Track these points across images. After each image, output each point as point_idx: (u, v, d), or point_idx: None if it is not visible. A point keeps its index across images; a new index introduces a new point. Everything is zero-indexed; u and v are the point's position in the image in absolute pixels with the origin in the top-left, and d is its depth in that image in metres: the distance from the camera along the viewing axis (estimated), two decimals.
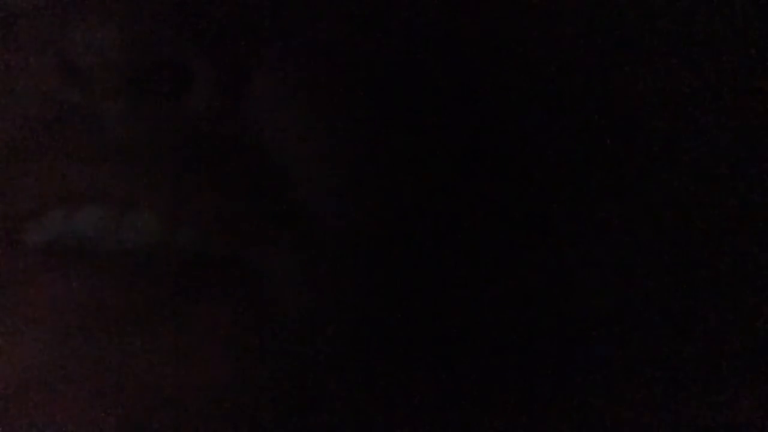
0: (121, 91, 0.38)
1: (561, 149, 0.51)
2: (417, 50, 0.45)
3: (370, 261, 0.43)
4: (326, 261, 0.41)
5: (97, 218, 0.39)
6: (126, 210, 0.39)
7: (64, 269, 0.38)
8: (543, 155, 0.51)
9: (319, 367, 0.42)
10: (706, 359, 0.51)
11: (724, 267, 0.51)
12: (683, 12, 0.51)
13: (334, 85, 0.41)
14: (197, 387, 0.39)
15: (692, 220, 0.51)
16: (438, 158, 0.47)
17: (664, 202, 0.51)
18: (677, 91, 0.51)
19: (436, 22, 0.46)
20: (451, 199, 0.49)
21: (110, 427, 0.38)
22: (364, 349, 0.45)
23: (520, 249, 0.51)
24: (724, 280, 0.51)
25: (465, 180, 0.49)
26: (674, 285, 0.51)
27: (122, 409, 0.38)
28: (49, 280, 0.38)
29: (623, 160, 0.51)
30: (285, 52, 0.41)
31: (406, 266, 0.46)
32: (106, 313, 0.38)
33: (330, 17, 0.42)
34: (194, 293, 0.39)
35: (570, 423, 0.50)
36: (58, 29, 0.39)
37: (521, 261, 0.51)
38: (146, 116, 0.38)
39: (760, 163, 0.51)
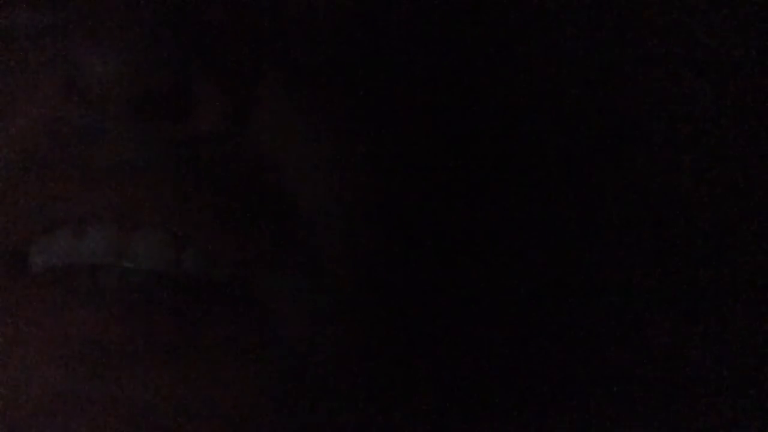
0: (127, 112, 0.38)
1: (561, 149, 0.51)
2: (419, 60, 0.45)
3: (374, 281, 0.43)
4: (331, 283, 0.41)
5: (103, 239, 0.39)
6: (131, 231, 0.39)
7: (72, 303, 0.38)
8: (543, 156, 0.51)
9: (319, 367, 0.42)
10: (706, 360, 0.51)
11: (724, 267, 0.51)
12: (683, 12, 0.51)
13: (339, 105, 0.41)
14: (207, 415, 0.39)
15: (692, 220, 0.51)
16: (441, 162, 0.47)
17: (664, 202, 0.51)
18: (677, 91, 0.51)
19: (436, 26, 0.46)
20: (454, 201, 0.49)
21: None
22: (364, 350, 0.45)
23: (520, 250, 0.51)
24: (724, 280, 0.51)
25: (466, 184, 0.49)
26: (674, 285, 0.51)
27: None
28: (56, 314, 0.38)
29: (623, 160, 0.51)
30: (288, 74, 0.41)
31: (407, 266, 0.46)
32: (113, 345, 0.38)
33: (332, 37, 0.42)
34: (200, 319, 0.39)
35: (570, 423, 0.50)
36: (63, 52, 0.39)
37: (521, 262, 0.51)
38: (151, 137, 0.39)
39: (760, 163, 0.51)
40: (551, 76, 0.51)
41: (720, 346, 0.51)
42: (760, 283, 0.51)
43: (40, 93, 0.39)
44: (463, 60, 0.48)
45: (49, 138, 0.39)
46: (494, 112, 0.50)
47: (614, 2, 0.51)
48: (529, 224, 0.51)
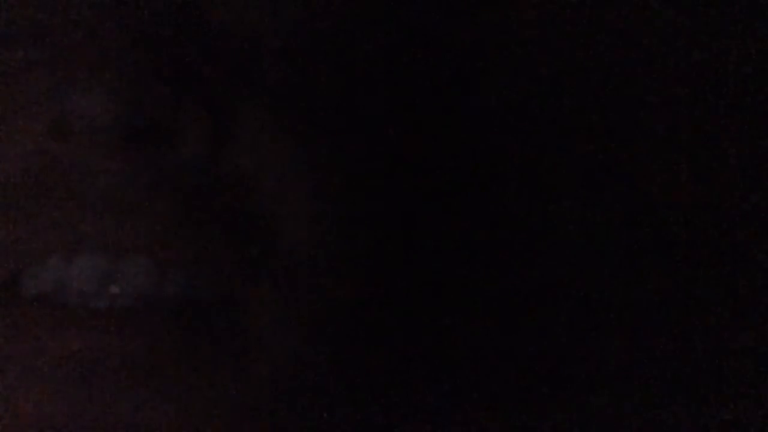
0: (113, 145, 0.39)
1: (560, 149, 0.51)
2: (403, 84, 0.45)
3: (357, 303, 0.43)
4: (313, 304, 0.42)
5: (92, 265, 0.40)
6: (118, 257, 0.40)
7: (61, 324, 0.39)
8: (543, 156, 0.51)
9: (319, 368, 0.42)
10: (707, 359, 0.51)
11: (724, 267, 0.51)
12: (683, 12, 0.51)
13: (320, 133, 0.42)
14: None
15: (692, 220, 0.51)
16: (435, 164, 0.47)
17: (664, 202, 0.51)
18: (677, 91, 0.51)
19: (435, 27, 0.47)
20: (450, 201, 0.49)
21: None
22: (364, 350, 0.45)
23: (520, 251, 0.51)
24: (724, 280, 0.51)
25: (463, 181, 0.49)
26: (674, 285, 0.51)
27: None
28: (46, 337, 0.39)
29: (623, 160, 0.51)
30: (268, 100, 0.42)
31: (405, 266, 0.46)
32: (102, 367, 0.39)
33: (313, 65, 0.42)
34: (187, 341, 0.40)
35: (570, 423, 0.50)
36: (50, 89, 0.40)
37: (521, 261, 0.51)
38: (136, 167, 0.39)
39: (760, 163, 0.51)
40: (551, 76, 0.51)
41: (720, 346, 0.51)
42: (760, 283, 0.51)
43: (30, 128, 0.40)
44: (462, 63, 0.48)
45: (39, 171, 0.40)
46: (494, 111, 0.50)
47: (614, 2, 0.51)
48: (529, 224, 0.51)
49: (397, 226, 0.46)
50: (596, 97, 0.51)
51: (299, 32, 0.42)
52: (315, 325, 0.42)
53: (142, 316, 0.40)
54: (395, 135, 0.45)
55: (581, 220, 0.51)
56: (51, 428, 0.39)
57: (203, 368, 0.40)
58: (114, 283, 0.40)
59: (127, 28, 0.40)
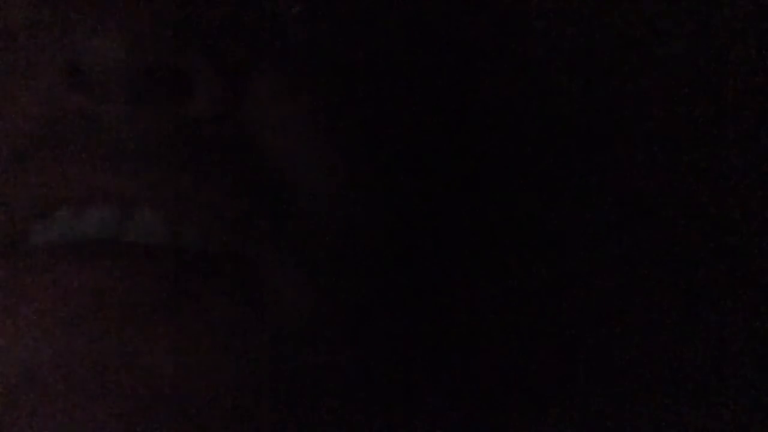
0: (124, 94, 0.39)
1: (560, 149, 0.51)
2: (417, 52, 0.45)
3: (369, 261, 0.43)
4: (326, 260, 0.42)
5: (101, 218, 0.40)
6: (129, 210, 0.40)
7: (67, 268, 0.39)
8: (543, 156, 0.51)
9: (319, 367, 0.42)
10: (707, 360, 0.51)
11: (724, 267, 0.51)
12: (683, 12, 0.51)
13: (333, 87, 0.42)
14: (197, 385, 0.39)
15: (692, 220, 0.51)
16: (437, 159, 0.47)
17: (664, 202, 0.51)
18: (677, 91, 0.51)
19: (436, 24, 0.47)
20: (451, 199, 0.49)
21: (111, 425, 0.38)
22: (364, 350, 0.45)
23: (520, 250, 0.51)
24: (724, 280, 0.51)
25: (464, 180, 0.49)
26: (674, 285, 0.51)
27: (123, 407, 0.39)
28: (51, 279, 0.39)
29: (623, 161, 0.51)
30: (284, 56, 0.41)
31: (406, 265, 0.46)
32: (107, 311, 0.38)
33: (329, 22, 0.42)
34: (195, 291, 0.39)
35: (570, 423, 0.50)
36: (61, 36, 0.39)
37: (521, 261, 0.51)
38: (148, 118, 0.39)
39: (760, 163, 0.51)
40: (551, 76, 0.51)
41: (720, 346, 0.51)
42: (760, 283, 0.51)
43: (42, 77, 0.40)
44: (463, 57, 0.48)
45: (51, 121, 0.40)
46: (494, 110, 0.50)
47: (614, 2, 0.51)
48: (529, 224, 0.51)
49: (397, 225, 0.46)
50: (597, 97, 0.51)
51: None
52: (316, 325, 0.42)
53: (148, 263, 0.39)
54: (395, 134, 0.45)
55: (581, 219, 0.51)
56: (49, 373, 0.38)
57: (206, 322, 0.39)
58: (125, 237, 0.40)
59: None
